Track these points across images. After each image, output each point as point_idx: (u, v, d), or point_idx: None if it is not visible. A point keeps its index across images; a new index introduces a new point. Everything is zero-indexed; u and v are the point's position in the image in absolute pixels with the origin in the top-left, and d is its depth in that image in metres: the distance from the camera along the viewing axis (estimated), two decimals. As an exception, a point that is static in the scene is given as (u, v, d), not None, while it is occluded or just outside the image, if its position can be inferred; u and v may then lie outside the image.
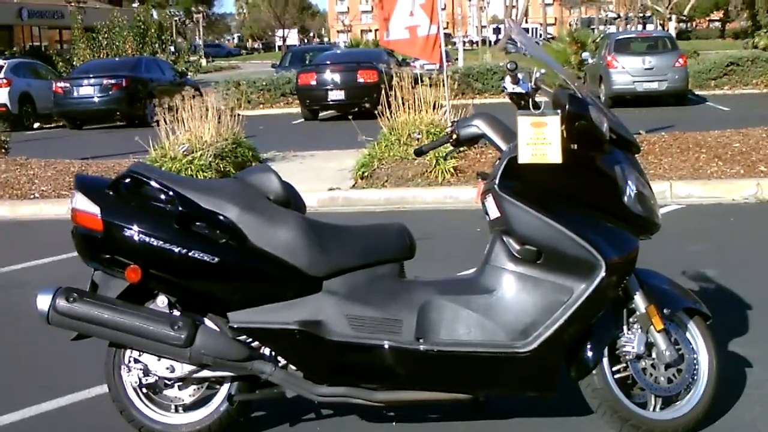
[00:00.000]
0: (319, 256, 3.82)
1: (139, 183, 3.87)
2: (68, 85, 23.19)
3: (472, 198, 7.90)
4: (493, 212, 3.81)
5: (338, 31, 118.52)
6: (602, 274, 3.65)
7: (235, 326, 3.81)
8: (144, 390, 4.01)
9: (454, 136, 4.10)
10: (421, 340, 3.77)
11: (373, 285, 3.89)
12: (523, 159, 3.67)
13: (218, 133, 11.63)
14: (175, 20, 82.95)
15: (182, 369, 3.93)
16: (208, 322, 3.95)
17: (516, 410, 4.28)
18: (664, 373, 3.90)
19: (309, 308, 3.82)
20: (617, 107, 21.26)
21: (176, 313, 3.92)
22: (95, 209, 3.81)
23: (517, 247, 3.77)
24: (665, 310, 3.90)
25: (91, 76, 23.36)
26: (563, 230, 3.67)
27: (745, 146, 10.51)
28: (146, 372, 3.96)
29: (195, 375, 3.95)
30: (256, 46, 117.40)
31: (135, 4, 66.35)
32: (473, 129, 4.10)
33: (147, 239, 3.75)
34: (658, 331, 3.85)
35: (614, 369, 3.86)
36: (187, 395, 4.02)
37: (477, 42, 70.20)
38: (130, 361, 3.97)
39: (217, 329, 3.92)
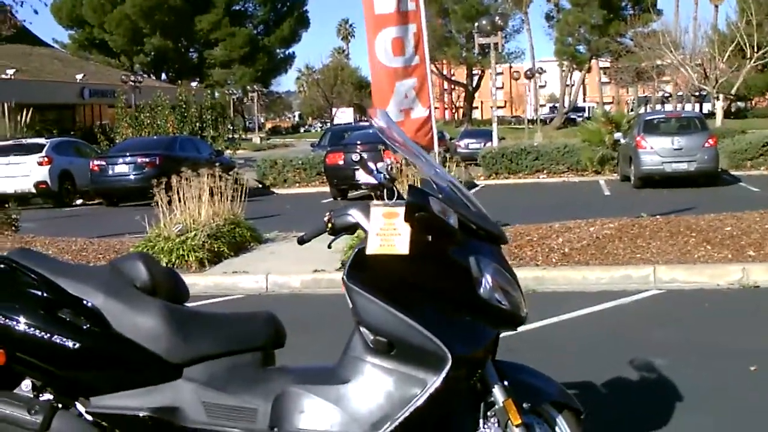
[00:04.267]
0: (180, 344, 3.85)
1: (12, 268, 3.95)
2: (104, 163, 23.74)
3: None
4: (349, 302, 3.82)
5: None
6: (447, 366, 3.62)
7: (91, 411, 3.85)
8: (9, 474, 4.04)
9: (330, 225, 4.13)
10: (275, 429, 3.76)
11: (232, 373, 3.90)
12: (370, 249, 3.67)
13: (215, 212, 11.78)
14: (233, 98, 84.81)
15: (45, 454, 3.95)
16: (79, 406, 3.99)
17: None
18: (524, 468, 3.83)
19: (167, 394, 3.84)
20: (647, 188, 21.21)
21: (47, 396, 3.96)
22: (-35, 292, 3.90)
23: (371, 338, 3.76)
24: (525, 404, 3.85)
25: (127, 154, 23.90)
26: (409, 322, 3.65)
27: (736, 230, 10.37)
28: (11, 456, 3.99)
29: (58, 460, 3.97)
30: (317, 124, 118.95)
31: (194, 83, 68.16)
32: (348, 218, 4.11)
33: (10, 323, 3.81)
34: (516, 426, 3.79)
35: (473, 463, 3.81)
36: (51, 480, 4.04)
37: (534, 120, 70.33)
38: (-5, 446, 4.02)
39: (79, 414, 3.95)
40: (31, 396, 3.94)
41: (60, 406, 3.91)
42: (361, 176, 3.86)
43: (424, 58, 11.13)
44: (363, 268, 3.76)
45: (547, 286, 9.51)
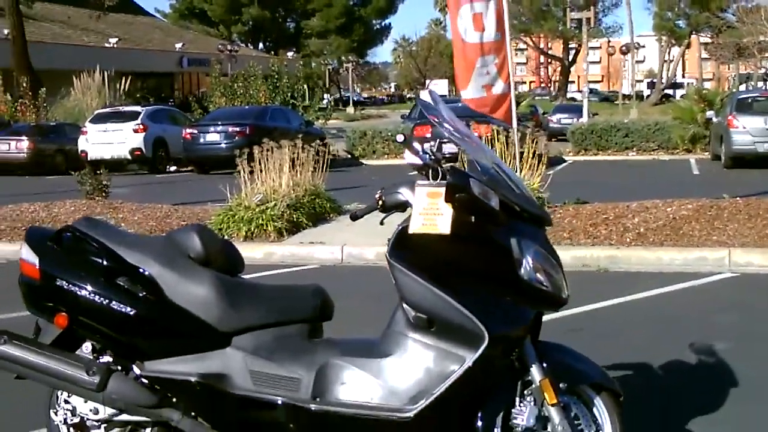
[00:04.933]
0: (230, 313, 4.01)
1: (77, 237, 4.16)
2: (196, 131, 24.22)
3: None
4: (393, 279, 3.92)
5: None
6: (484, 344, 3.70)
7: (144, 374, 4.04)
8: (71, 430, 4.26)
9: (381, 202, 4.21)
10: (317, 399, 3.90)
11: (279, 343, 4.04)
12: (413, 228, 3.76)
13: (296, 183, 11.96)
14: (329, 69, 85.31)
15: (105, 412, 4.15)
16: (136, 369, 4.19)
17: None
18: (559, 447, 3.89)
19: (216, 362, 4.01)
20: (737, 168, 20.80)
21: (106, 358, 4.17)
22: (35, 259, 4.12)
23: (413, 314, 3.86)
24: (561, 384, 3.90)
25: (219, 123, 24.34)
26: (449, 300, 3.73)
27: (820, 214, 10.16)
28: (73, 413, 4.21)
29: (117, 418, 4.16)
30: (411, 95, 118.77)
31: (290, 53, 68.77)
32: (399, 196, 4.18)
33: (73, 289, 4.02)
34: (552, 405, 3.85)
35: (509, 440, 3.89)
36: (111, 437, 4.26)
37: (630, 96, 69.12)
38: (60, 402, 4.25)
39: (136, 377, 4.15)
40: (91, 358, 4.15)
41: (119, 368, 4.12)
42: (407, 156, 3.94)
43: (504, 34, 11.11)
44: (406, 246, 3.85)
45: (620, 266, 9.48)
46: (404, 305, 3.89)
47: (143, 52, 53.30)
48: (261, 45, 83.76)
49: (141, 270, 4.03)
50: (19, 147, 26.57)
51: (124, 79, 35.58)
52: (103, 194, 13.56)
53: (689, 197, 11.56)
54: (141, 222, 11.90)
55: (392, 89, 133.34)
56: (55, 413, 4.23)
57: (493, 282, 3.83)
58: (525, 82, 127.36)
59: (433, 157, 3.91)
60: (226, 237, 10.98)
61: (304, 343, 4.11)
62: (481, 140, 4.17)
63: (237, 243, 10.76)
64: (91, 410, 4.17)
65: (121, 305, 3.98)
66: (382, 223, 4.38)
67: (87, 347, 4.18)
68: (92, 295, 4.00)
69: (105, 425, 4.23)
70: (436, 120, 4.07)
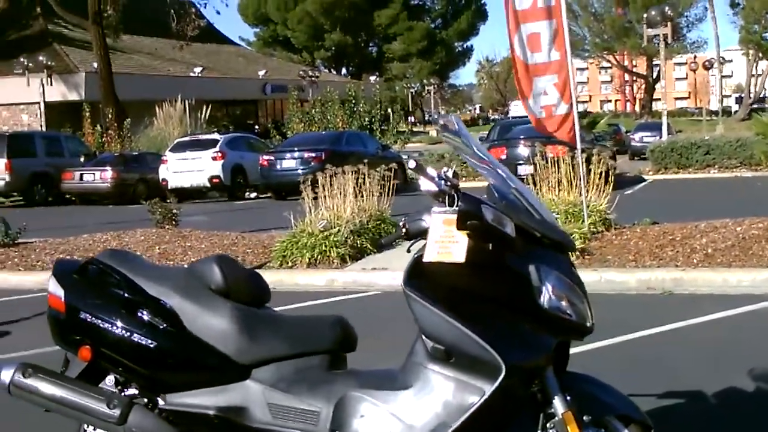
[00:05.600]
0: (249, 345, 3.98)
1: (101, 269, 4.18)
2: (273, 157, 24.45)
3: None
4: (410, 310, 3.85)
5: (577, 102, 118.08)
6: (501, 375, 3.60)
7: (164, 408, 4.03)
8: (98, 463, 4.28)
9: (405, 230, 4.14)
10: (336, 432, 3.84)
11: (298, 375, 3.99)
12: (428, 257, 3.67)
13: (361, 208, 11.93)
14: (411, 92, 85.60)
15: (128, 445, 4.16)
16: (161, 402, 4.18)
17: None
18: (586, 482, 3.76)
19: (235, 395, 3.97)
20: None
21: (132, 391, 4.17)
22: (61, 292, 4.15)
23: (430, 345, 3.77)
24: (585, 417, 3.77)
25: (295, 149, 24.55)
26: (464, 330, 3.64)
27: None
28: (98, 446, 4.23)
29: (140, 452, 4.17)
30: (495, 116, 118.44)
31: (373, 77, 69.19)
32: (422, 223, 4.09)
33: (96, 321, 4.04)
34: (575, 438, 3.73)
35: (531, 475, 3.77)
36: (136, 470, 4.25)
37: (716, 112, 67.91)
38: (86, 435, 4.27)
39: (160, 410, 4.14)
40: (113, 390, 4.16)
41: (146, 401, 4.11)
42: (423, 183, 3.86)
43: (565, 53, 10.92)
44: (422, 275, 3.76)
45: (686, 288, 9.21)
46: (422, 336, 3.81)
47: (228, 80, 54.16)
48: (344, 70, 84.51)
49: (162, 302, 4.03)
50: (104, 177, 27.17)
51: (205, 107, 36.15)
52: (173, 223, 13.72)
53: (766, 215, 11.21)
54: (207, 250, 11.99)
55: (477, 111, 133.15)
56: (81, 446, 4.25)
57: (512, 310, 3.72)
58: (610, 101, 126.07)
59: (448, 183, 3.83)
60: (289, 264, 11.04)
61: (324, 375, 4.05)
62: (498, 162, 4.08)
63: (300, 270, 10.84)
64: (115, 443, 4.18)
65: (142, 338, 3.98)
66: (408, 250, 4.29)
67: (110, 380, 4.19)
68: (114, 327, 4.01)
69: (129, 458, 4.23)
70: (454, 143, 4.00)
